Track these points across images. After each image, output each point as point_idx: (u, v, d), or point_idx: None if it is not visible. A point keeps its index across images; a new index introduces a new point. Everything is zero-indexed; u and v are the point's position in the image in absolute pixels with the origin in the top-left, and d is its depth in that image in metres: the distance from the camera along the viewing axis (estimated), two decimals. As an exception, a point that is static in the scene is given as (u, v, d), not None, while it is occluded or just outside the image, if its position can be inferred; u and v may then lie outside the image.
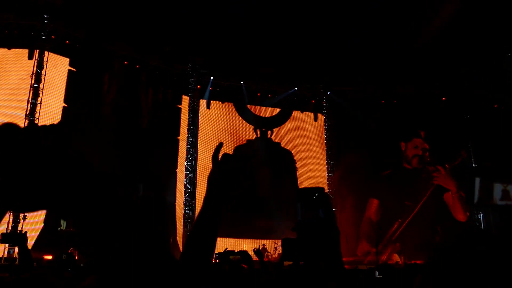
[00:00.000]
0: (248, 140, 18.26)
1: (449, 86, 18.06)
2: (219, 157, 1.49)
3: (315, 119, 19.48)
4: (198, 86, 17.31)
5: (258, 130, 18.52)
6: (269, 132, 18.69)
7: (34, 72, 13.35)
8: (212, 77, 17.50)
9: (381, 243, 16.72)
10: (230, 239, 16.04)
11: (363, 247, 17.24)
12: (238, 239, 16.11)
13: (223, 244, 15.34)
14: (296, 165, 18.57)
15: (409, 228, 16.85)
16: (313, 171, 18.82)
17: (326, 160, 19.06)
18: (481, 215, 17.24)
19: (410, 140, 17.92)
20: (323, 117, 19.52)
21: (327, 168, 18.96)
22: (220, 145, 1.51)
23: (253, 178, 17.29)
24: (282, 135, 18.77)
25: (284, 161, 18.38)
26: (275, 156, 18.19)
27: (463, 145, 17.80)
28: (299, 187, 18.18)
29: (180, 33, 16.17)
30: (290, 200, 17.20)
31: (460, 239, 1.01)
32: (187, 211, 16.03)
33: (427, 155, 17.81)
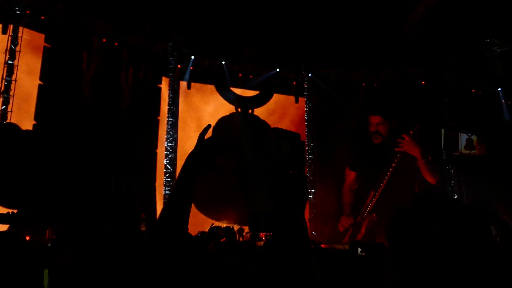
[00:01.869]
0: (231, 113, 18.24)
1: (429, 72, 18.30)
2: (205, 138, 1.58)
3: (296, 101, 19.52)
4: (179, 66, 17.08)
5: (239, 109, 18.48)
6: (250, 111, 18.68)
7: (8, 48, 12.94)
8: (193, 57, 17.28)
9: (359, 215, 17.20)
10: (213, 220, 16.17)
11: (344, 220, 17.61)
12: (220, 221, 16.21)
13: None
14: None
15: (386, 199, 17.15)
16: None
17: (307, 142, 19.17)
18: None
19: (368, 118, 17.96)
20: (304, 99, 19.56)
21: (307, 150, 19.10)
22: (208, 127, 1.59)
23: (234, 146, 17.39)
24: (263, 116, 18.77)
25: (264, 132, 18.42)
26: (255, 127, 18.22)
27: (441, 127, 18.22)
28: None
29: (162, 11, 15.83)
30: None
31: (414, 202, 1.02)
32: (167, 192, 16.00)
33: (382, 130, 17.83)
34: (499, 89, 18.54)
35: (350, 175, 18.63)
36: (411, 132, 17.61)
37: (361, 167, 17.89)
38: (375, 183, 17.91)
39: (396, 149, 17.59)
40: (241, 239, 14.67)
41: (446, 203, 0.99)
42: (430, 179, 17.41)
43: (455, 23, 15.44)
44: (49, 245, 8.62)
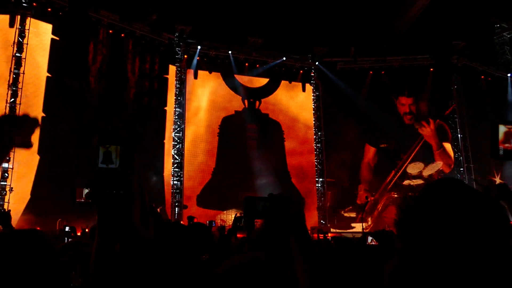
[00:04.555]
0: (236, 111, 18.22)
1: (437, 58, 18.09)
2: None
3: (303, 89, 19.43)
4: (185, 56, 17.05)
5: (246, 101, 18.43)
6: (257, 102, 18.64)
7: (16, 41, 13.00)
8: (199, 47, 17.23)
9: (378, 192, 17.48)
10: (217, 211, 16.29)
11: (362, 195, 17.85)
12: (226, 210, 16.30)
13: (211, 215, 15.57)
14: (284, 135, 18.67)
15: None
16: (300, 141, 18.93)
17: (314, 130, 19.13)
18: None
19: (397, 98, 18.45)
20: (311, 87, 19.47)
21: (315, 138, 19.06)
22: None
23: (242, 148, 17.51)
24: (270, 105, 18.72)
25: (272, 131, 18.46)
26: (263, 126, 18.26)
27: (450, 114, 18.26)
28: (286, 157, 18.42)
29: (167, 1, 15.79)
30: (276, 170, 17.46)
31: (424, 190, 0.99)
32: (175, 182, 16.09)
33: (414, 110, 18.39)
34: (509, 74, 18.29)
35: (370, 152, 18.92)
36: (437, 121, 17.96)
37: (381, 144, 18.28)
38: (396, 162, 18.21)
39: (419, 131, 17.99)
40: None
41: (458, 189, 0.96)
42: (445, 168, 17.72)
43: (462, 7, 15.21)
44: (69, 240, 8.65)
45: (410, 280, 0.93)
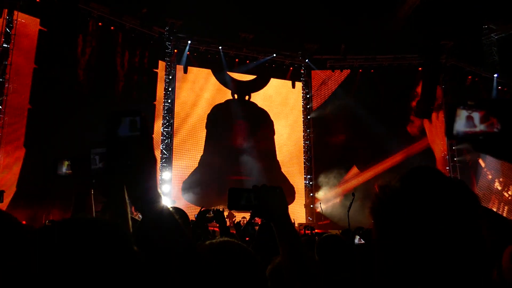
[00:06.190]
0: (226, 100, 18.24)
1: (426, 57, 18.25)
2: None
3: (293, 86, 19.47)
4: (175, 51, 16.97)
5: (236, 95, 18.43)
6: (247, 97, 18.65)
7: (3, 31, 12.82)
8: (189, 41, 17.16)
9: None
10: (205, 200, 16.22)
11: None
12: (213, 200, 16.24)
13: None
14: (273, 127, 18.69)
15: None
16: (289, 138, 18.97)
17: (303, 127, 19.19)
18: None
19: None
20: (301, 84, 19.52)
21: (304, 135, 19.11)
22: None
23: (229, 131, 17.57)
24: (259, 100, 18.73)
25: (261, 118, 18.50)
26: (252, 112, 18.29)
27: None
28: (276, 153, 18.47)
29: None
30: (266, 155, 17.58)
31: (402, 179, 0.97)
32: (163, 177, 16.03)
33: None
34: (495, 75, 18.50)
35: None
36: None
37: None
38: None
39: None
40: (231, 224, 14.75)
41: (435, 179, 0.95)
42: None
43: (452, 8, 15.35)
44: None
45: (387, 270, 0.94)
